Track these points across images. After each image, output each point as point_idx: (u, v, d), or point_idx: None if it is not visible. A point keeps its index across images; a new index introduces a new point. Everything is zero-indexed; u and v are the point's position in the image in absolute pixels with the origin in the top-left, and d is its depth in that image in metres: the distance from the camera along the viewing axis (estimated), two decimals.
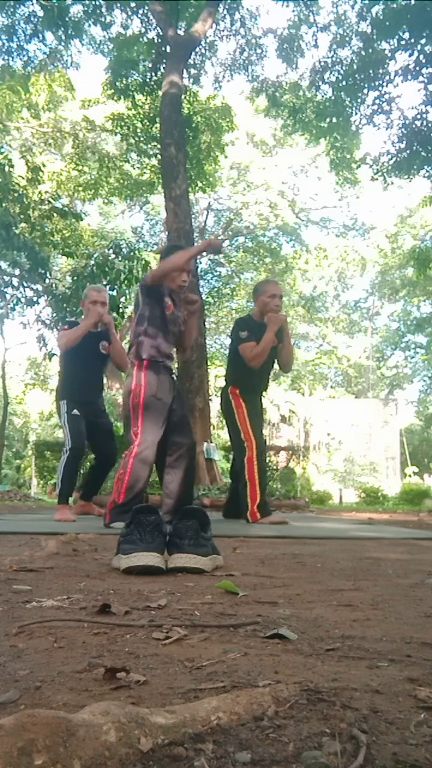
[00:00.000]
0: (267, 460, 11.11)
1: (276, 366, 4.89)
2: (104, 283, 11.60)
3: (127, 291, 12.72)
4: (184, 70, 11.70)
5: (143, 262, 11.98)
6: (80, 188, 17.93)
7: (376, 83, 12.05)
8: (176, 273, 3.87)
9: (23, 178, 12.09)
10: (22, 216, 11.61)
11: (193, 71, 13.85)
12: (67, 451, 4.64)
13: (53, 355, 12.49)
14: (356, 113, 12.89)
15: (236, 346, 4.63)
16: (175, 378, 4.16)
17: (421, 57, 11.33)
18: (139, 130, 14.54)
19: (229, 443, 5.97)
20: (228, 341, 6.44)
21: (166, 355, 3.89)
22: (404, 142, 11.97)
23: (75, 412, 4.68)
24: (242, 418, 4.60)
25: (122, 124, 14.46)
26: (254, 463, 4.49)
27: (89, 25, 12.98)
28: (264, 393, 5.01)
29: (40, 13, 11.86)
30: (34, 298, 12.13)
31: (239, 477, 4.60)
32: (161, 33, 12.05)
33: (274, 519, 4.39)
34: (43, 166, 12.75)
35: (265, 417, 19.28)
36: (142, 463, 3.69)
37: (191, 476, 3.96)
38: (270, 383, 5.58)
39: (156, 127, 12.53)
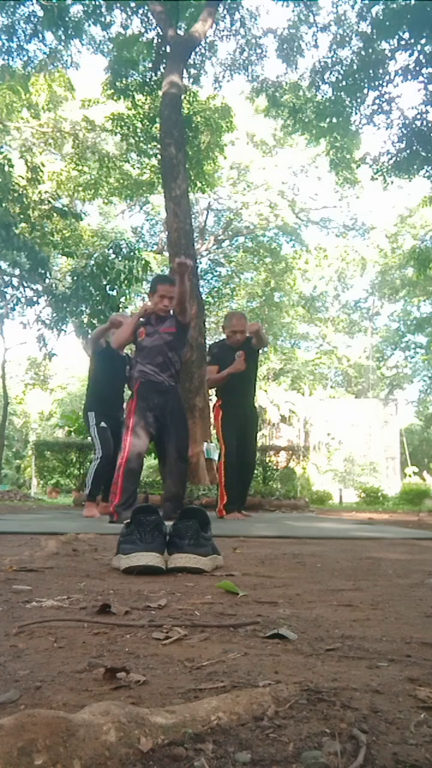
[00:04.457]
0: (267, 460, 11.11)
1: (261, 373, 5.68)
2: (104, 282, 11.62)
3: (127, 291, 12.72)
4: (184, 70, 11.68)
5: (143, 262, 11.97)
6: (80, 188, 17.92)
7: (376, 83, 12.04)
8: (158, 301, 4.50)
9: (23, 178, 12.09)
10: (22, 216, 11.60)
11: (193, 71, 13.83)
12: (98, 458, 5.37)
13: (53, 355, 12.50)
14: (356, 113, 12.89)
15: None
16: (171, 384, 4.62)
17: (421, 57, 11.32)
18: (139, 130, 14.52)
19: None
20: None
21: (152, 371, 4.50)
22: (404, 142, 11.96)
23: (102, 424, 5.39)
24: (218, 428, 5.38)
25: (122, 124, 14.44)
26: (223, 469, 5.27)
27: (89, 25, 12.96)
28: (254, 399, 5.73)
29: (40, 13, 11.84)
30: (34, 298, 12.13)
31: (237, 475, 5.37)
32: (161, 33, 12.03)
33: (237, 516, 5.14)
34: (43, 165, 12.74)
35: (265, 417, 19.38)
36: (130, 469, 4.37)
37: (183, 483, 4.75)
38: (265, 389, 6.57)
39: (156, 127, 12.52)
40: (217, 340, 5.86)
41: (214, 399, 5.99)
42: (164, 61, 12.03)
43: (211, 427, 8.28)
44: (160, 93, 11.08)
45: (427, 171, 12.41)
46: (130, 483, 4.37)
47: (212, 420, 5.60)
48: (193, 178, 13.93)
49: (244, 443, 5.37)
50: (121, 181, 18.04)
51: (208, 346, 5.96)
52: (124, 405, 5.76)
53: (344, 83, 12.28)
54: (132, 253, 11.88)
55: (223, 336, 5.58)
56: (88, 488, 5.47)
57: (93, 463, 5.55)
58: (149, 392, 4.48)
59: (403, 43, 11.44)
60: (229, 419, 5.33)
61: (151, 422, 4.46)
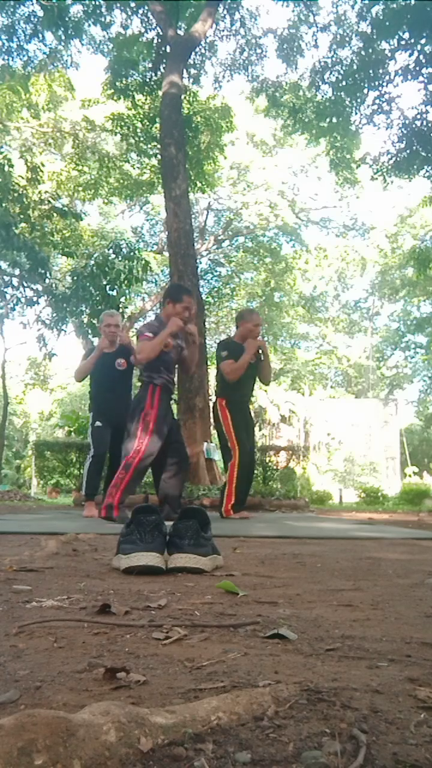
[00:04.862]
0: (267, 460, 11.09)
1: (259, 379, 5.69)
2: (104, 282, 11.61)
3: (127, 291, 12.72)
4: (184, 70, 11.69)
5: (143, 262, 11.98)
6: (80, 188, 17.93)
7: (376, 83, 12.04)
8: (180, 311, 4.53)
9: (23, 178, 12.08)
10: (22, 216, 11.60)
11: (193, 71, 13.84)
12: (90, 457, 5.37)
13: (53, 355, 12.50)
14: (356, 113, 12.89)
15: (218, 364, 5.39)
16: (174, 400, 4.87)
17: (421, 57, 11.32)
18: (139, 130, 14.53)
19: None
20: None
21: (170, 380, 4.58)
22: (404, 142, 11.96)
23: (98, 423, 5.37)
24: (228, 428, 5.30)
25: (122, 124, 14.44)
26: (235, 469, 5.22)
27: (89, 25, 12.96)
28: (251, 402, 5.76)
29: (40, 13, 11.84)
30: (34, 298, 12.12)
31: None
32: (161, 33, 12.03)
33: (243, 515, 5.18)
34: (43, 165, 12.74)
35: (265, 417, 19.37)
36: (142, 471, 4.36)
37: (182, 486, 4.81)
38: (265, 389, 6.44)
39: (156, 127, 12.52)
40: (225, 339, 5.75)
41: (213, 398, 5.96)
42: (164, 61, 12.03)
43: (212, 427, 8.25)
44: (160, 93, 11.08)
45: (427, 171, 12.41)
46: (135, 483, 4.38)
47: (217, 419, 5.45)
48: (193, 178, 13.94)
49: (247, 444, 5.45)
50: (121, 181, 18.05)
51: (218, 343, 5.85)
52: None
53: (344, 83, 12.27)
54: (132, 253, 11.88)
55: (224, 335, 5.59)
56: (84, 488, 5.49)
57: (86, 461, 5.57)
58: (167, 399, 4.56)
59: (403, 43, 11.45)
60: (238, 420, 5.34)
61: (167, 428, 4.51)
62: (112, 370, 5.35)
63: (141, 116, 14.18)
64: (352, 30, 12.73)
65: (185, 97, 12.53)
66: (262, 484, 9.80)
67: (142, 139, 14.72)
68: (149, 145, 14.73)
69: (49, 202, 12.20)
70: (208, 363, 9.84)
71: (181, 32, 11.62)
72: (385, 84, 12.03)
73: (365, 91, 12.27)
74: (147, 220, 26.16)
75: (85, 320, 12.06)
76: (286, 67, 14.05)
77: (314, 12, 13.32)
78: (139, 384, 4.65)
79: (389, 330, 31.76)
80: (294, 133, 17.27)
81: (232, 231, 25.44)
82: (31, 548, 2.30)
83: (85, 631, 1.05)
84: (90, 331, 12.14)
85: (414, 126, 11.83)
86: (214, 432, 6.98)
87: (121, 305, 11.99)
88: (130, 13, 13.38)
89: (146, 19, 13.21)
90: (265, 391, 19.54)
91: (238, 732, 0.61)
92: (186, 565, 1.74)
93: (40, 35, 12.69)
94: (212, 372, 9.21)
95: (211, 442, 8.16)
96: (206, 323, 13.68)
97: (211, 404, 7.35)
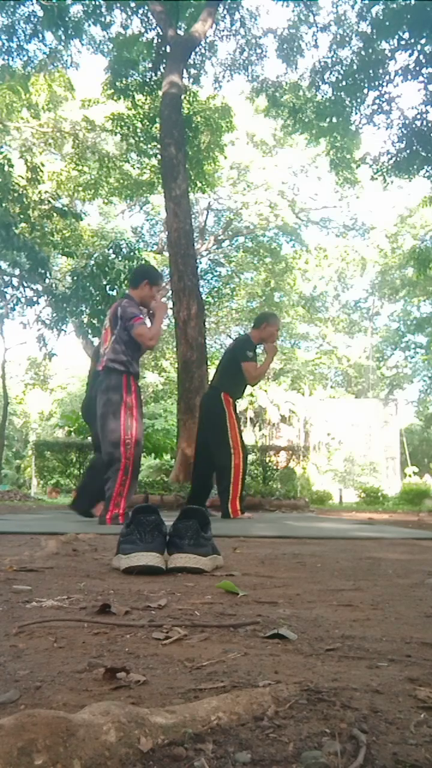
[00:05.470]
0: (267, 460, 11.10)
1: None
2: (104, 282, 11.62)
3: (127, 291, 12.73)
4: (184, 70, 11.69)
5: (143, 262, 11.98)
6: (80, 188, 17.94)
7: (376, 83, 12.04)
8: (154, 296, 4.41)
9: (23, 178, 12.09)
10: (22, 216, 11.60)
11: (193, 71, 13.84)
12: None
13: (53, 355, 12.50)
14: (356, 113, 12.90)
15: (240, 361, 5.28)
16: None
17: (421, 57, 11.32)
18: (139, 130, 14.54)
19: None
20: (227, 342, 6.93)
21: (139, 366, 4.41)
22: (404, 142, 11.96)
23: None
24: (233, 424, 5.27)
25: (122, 124, 14.45)
26: (240, 470, 5.23)
27: (89, 25, 12.98)
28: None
29: (40, 13, 11.85)
30: (34, 298, 12.13)
31: (221, 475, 5.26)
32: (161, 33, 12.04)
33: (247, 515, 5.31)
34: (43, 165, 12.74)
35: (265, 417, 19.36)
36: (138, 462, 4.18)
37: None
38: (265, 389, 6.61)
39: (156, 127, 12.53)
40: (245, 338, 5.59)
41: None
42: (164, 61, 12.04)
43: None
44: (160, 93, 11.08)
45: (427, 171, 12.41)
46: (136, 480, 4.17)
47: (219, 414, 5.34)
48: (193, 178, 13.94)
49: None
50: (121, 181, 18.06)
51: (239, 338, 5.76)
52: None
53: (344, 83, 12.28)
54: (132, 253, 11.89)
55: (224, 335, 5.58)
56: None
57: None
58: (138, 389, 4.34)
59: (403, 43, 11.44)
60: (238, 418, 5.41)
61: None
62: None
63: (141, 116, 14.19)
64: (352, 30, 12.74)
65: (185, 97, 12.53)
66: (262, 484, 9.80)
67: (142, 139, 14.73)
68: (149, 145, 14.74)
69: (49, 202, 12.20)
70: (208, 363, 9.82)
71: (181, 32, 11.63)
72: (385, 84, 12.03)
73: (365, 91, 12.27)
74: (147, 220, 26.19)
75: (85, 320, 12.07)
76: (286, 67, 14.06)
77: (314, 12, 13.33)
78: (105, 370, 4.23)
79: (389, 330, 31.77)
80: (294, 133, 17.28)
81: (232, 231, 25.46)
82: (31, 548, 2.30)
83: (85, 631, 1.05)
84: (90, 331, 12.13)
85: (414, 126, 11.83)
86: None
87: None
88: (130, 13, 13.39)
89: (146, 19, 13.22)
90: (265, 391, 19.55)
91: (238, 732, 0.61)
92: (186, 565, 1.74)
93: (40, 35, 12.71)
94: (212, 372, 9.17)
95: None
96: (206, 323, 13.67)
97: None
